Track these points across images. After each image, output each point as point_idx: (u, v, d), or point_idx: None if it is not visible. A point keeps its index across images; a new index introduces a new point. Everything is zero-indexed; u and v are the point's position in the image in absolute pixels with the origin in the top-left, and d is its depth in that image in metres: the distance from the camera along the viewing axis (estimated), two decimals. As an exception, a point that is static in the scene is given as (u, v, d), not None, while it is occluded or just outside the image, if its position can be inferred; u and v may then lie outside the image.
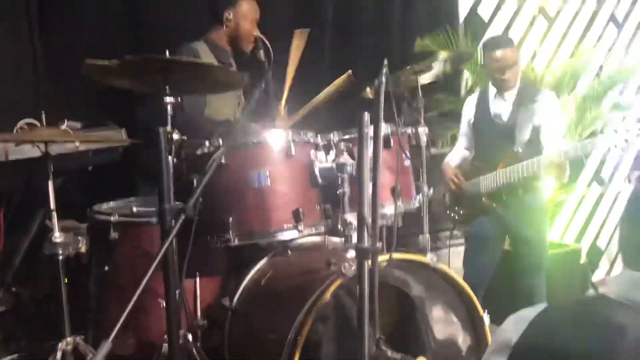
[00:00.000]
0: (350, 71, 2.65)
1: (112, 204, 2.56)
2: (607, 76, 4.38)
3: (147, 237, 2.25)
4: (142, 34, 3.39)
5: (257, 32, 2.74)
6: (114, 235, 2.27)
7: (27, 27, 3.27)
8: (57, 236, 2.21)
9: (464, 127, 3.36)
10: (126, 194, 2.86)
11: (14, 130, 2.78)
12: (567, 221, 4.69)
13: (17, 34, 3.26)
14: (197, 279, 2.33)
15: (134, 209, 2.26)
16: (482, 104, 3.28)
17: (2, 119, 2.75)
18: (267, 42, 2.06)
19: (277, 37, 2.83)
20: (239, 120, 2.67)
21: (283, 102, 2.58)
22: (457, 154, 3.35)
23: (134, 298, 1.53)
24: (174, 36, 2.89)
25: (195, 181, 2.20)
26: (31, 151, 2.54)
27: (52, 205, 2.21)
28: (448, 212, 3.28)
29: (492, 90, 3.26)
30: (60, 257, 2.21)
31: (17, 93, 3.23)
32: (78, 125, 2.85)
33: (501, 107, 3.21)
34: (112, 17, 3.43)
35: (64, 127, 2.74)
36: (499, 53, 3.14)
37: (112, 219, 2.28)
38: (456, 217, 3.26)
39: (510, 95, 3.20)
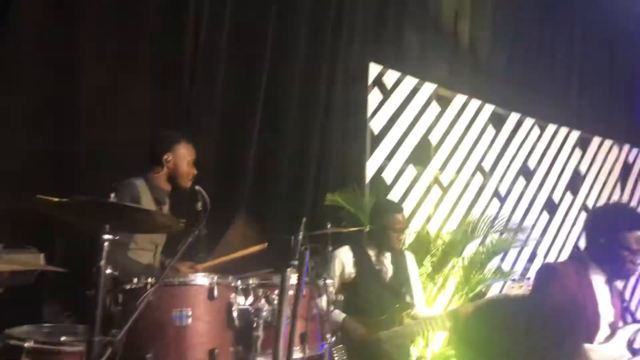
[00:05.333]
0: (266, 244, 2.94)
1: (25, 328, 2.56)
2: (490, 245, 4.95)
3: (60, 366, 2.29)
4: (77, 170, 3.54)
5: (194, 172, 3.03)
6: (25, 361, 2.28)
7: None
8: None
9: (336, 280, 3.38)
10: (29, 319, 2.86)
11: None
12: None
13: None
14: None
15: (63, 338, 2.30)
16: (364, 262, 3.52)
17: None
18: (205, 194, 2.32)
19: (204, 177, 3.09)
20: (166, 261, 2.85)
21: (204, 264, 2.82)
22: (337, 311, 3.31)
23: None
24: (112, 174, 3.09)
25: (113, 313, 2.32)
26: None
27: (-31, 326, 2.22)
28: None
29: (369, 247, 3.56)
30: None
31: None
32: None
33: (383, 264, 3.54)
34: (46, 148, 3.51)
35: (-16, 247, 2.78)
36: (401, 216, 3.58)
37: (25, 345, 2.29)
38: None
39: (387, 254, 3.58)
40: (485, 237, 5.06)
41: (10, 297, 3.07)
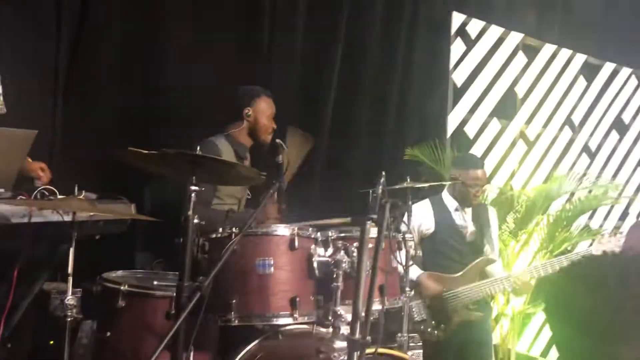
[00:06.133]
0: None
1: (119, 273, 2.74)
2: (577, 202, 4.74)
3: (152, 309, 2.43)
4: (161, 125, 3.65)
5: (274, 125, 3.08)
6: (121, 303, 2.43)
7: (52, 93, 3.45)
8: (70, 299, 2.37)
9: (415, 235, 3.34)
10: (122, 265, 3.05)
11: (32, 195, 2.98)
12: (535, 334, 4.89)
13: (42, 101, 3.42)
14: (192, 353, 2.48)
15: (155, 282, 2.44)
16: (444, 217, 3.47)
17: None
18: (285, 147, 2.35)
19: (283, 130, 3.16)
20: (247, 211, 2.93)
21: None
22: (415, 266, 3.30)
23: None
24: (193, 128, 3.19)
25: (200, 261, 2.42)
26: (51, 216, 2.75)
27: (70, 269, 2.39)
28: (430, 330, 3.12)
29: (449, 202, 3.51)
30: (69, 320, 2.37)
31: (33, 157, 3.44)
32: (93, 196, 3.06)
33: (464, 219, 3.48)
34: (132, 103, 3.65)
35: (82, 197, 2.95)
36: (480, 172, 3.49)
37: (122, 288, 2.45)
38: (440, 335, 3.14)
39: (468, 209, 3.51)
40: (572, 194, 4.88)
41: (105, 245, 3.29)
